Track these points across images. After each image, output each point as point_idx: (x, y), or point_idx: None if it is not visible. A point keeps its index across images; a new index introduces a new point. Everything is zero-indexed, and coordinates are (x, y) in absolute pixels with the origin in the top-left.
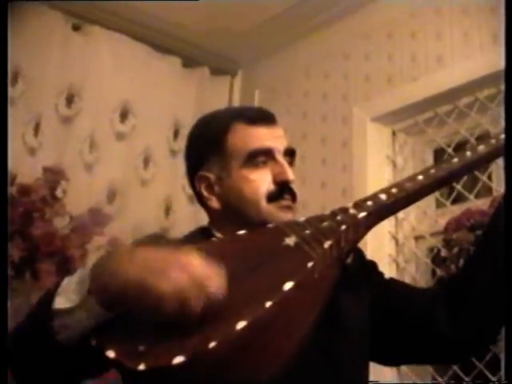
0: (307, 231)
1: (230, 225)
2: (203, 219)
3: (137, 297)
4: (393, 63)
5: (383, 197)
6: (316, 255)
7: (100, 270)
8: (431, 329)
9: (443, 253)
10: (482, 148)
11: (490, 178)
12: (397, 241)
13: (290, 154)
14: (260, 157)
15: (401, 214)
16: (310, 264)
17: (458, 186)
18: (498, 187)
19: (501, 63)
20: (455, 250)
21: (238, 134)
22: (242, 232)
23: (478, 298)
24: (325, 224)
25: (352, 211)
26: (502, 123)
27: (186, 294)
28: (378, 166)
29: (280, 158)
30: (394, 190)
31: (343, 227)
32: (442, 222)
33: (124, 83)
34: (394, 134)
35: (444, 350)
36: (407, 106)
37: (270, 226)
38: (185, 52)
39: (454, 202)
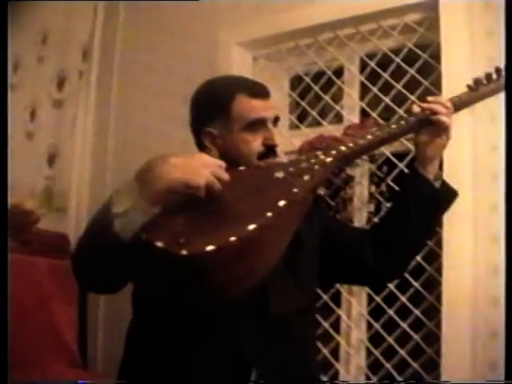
0: (291, 168)
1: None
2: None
3: (181, 190)
4: None
5: (343, 148)
6: (299, 185)
7: (146, 176)
8: (360, 260)
9: None
10: (412, 119)
11: (342, 107)
12: None
13: (276, 120)
14: (256, 124)
15: None
16: (295, 189)
17: (313, 112)
18: (349, 116)
19: (359, 7)
20: None
21: (241, 103)
22: (242, 168)
23: (393, 242)
24: (303, 165)
25: (321, 156)
26: (357, 60)
27: (212, 182)
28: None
29: (270, 126)
30: (350, 144)
31: (316, 167)
32: (296, 143)
33: None
34: (254, 59)
35: (368, 277)
36: (271, 35)
37: (261, 164)
38: None
39: (307, 126)
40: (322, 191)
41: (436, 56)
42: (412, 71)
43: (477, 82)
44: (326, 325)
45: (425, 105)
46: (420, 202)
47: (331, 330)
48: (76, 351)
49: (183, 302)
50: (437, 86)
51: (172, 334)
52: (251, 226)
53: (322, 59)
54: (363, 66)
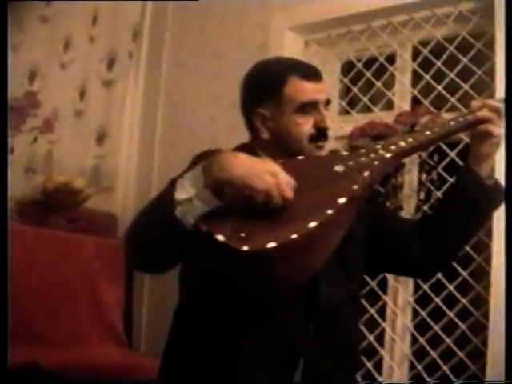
0: (350, 162)
1: (275, 153)
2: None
3: (239, 187)
4: None
5: (403, 144)
6: (358, 181)
7: (212, 166)
8: (408, 252)
9: None
10: (470, 117)
11: (393, 94)
12: None
13: (327, 103)
14: (308, 107)
15: None
16: (355, 186)
17: (364, 98)
18: (400, 103)
19: None
20: None
21: (293, 86)
22: (301, 157)
23: (443, 238)
24: (363, 159)
25: (381, 152)
26: (409, 47)
27: (272, 193)
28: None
29: (322, 109)
30: (410, 140)
31: (375, 163)
32: (346, 129)
33: None
34: (306, 43)
35: (414, 269)
36: (324, 20)
37: (321, 155)
38: None
39: (358, 112)
40: None
41: (490, 45)
42: (465, 60)
43: None
44: (372, 311)
45: (479, 114)
46: (471, 199)
47: (377, 317)
48: (122, 330)
49: (240, 293)
50: (490, 76)
51: (222, 320)
52: (312, 224)
53: (375, 45)
54: (416, 54)
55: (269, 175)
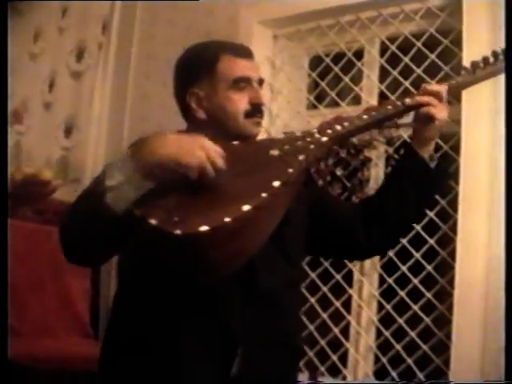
0: (286, 146)
1: (212, 132)
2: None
3: (171, 167)
4: None
5: (339, 128)
6: (294, 164)
7: (140, 150)
8: (351, 235)
9: None
10: (408, 101)
11: (361, 89)
12: (269, 136)
13: (260, 82)
14: (242, 83)
15: (274, 111)
16: (290, 170)
17: (332, 93)
18: (368, 98)
19: None
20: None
21: (226, 62)
22: (236, 142)
23: (385, 220)
24: (298, 143)
25: (317, 136)
26: (377, 43)
27: (205, 166)
28: (259, 66)
29: (256, 85)
30: (346, 124)
31: (311, 146)
32: (314, 123)
33: None
34: (275, 37)
35: (356, 251)
36: (293, 14)
37: (256, 140)
38: None
39: (325, 106)
40: (339, 172)
41: (457, 42)
42: (433, 56)
43: (474, 65)
44: (337, 304)
45: (416, 98)
46: (414, 181)
47: (342, 310)
48: (88, 322)
49: (173, 277)
50: (457, 72)
51: (159, 307)
52: (246, 207)
53: (343, 41)
54: (384, 49)
55: (199, 149)
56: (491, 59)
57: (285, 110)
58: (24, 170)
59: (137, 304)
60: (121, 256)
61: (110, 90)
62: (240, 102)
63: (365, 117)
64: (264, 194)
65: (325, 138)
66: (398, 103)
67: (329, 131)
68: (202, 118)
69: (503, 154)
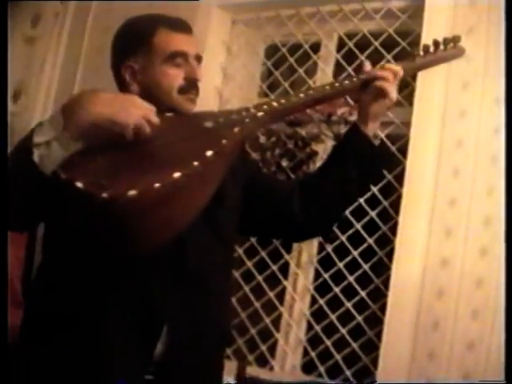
0: (221, 119)
1: None
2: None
3: (107, 126)
4: None
5: (275, 104)
6: (228, 136)
7: (73, 108)
8: (287, 212)
9: (262, 140)
10: (347, 83)
11: (314, 82)
12: None
13: (198, 59)
14: (177, 58)
15: (226, 96)
16: (224, 141)
17: (285, 84)
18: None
19: None
20: (273, 139)
21: (162, 36)
22: (170, 114)
23: (324, 196)
24: (233, 116)
25: (253, 110)
26: (335, 37)
27: (141, 123)
28: (215, 49)
29: (192, 60)
30: (282, 101)
31: (247, 120)
32: None
33: None
34: (233, 22)
35: (294, 230)
36: (252, 1)
37: (190, 113)
38: None
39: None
40: (284, 163)
41: (415, 45)
42: (389, 57)
43: (425, 49)
44: (270, 294)
45: (375, 71)
46: (357, 157)
47: (275, 301)
48: (19, 291)
49: (98, 247)
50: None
51: (82, 278)
52: (176, 174)
53: (301, 32)
54: (341, 45)
55: (134, 108)
56: (441, 46)
57: (236, 96)
58: None
59: (59, 274)
60: (45, 223)
61: (62, 59)
62: (175, 78)
63: (301, 95)
64: (196, 163)
65: (260, 113)
66: (343, 82)
67: (265, 107)
68: (135, 91)
69: (447, 159)
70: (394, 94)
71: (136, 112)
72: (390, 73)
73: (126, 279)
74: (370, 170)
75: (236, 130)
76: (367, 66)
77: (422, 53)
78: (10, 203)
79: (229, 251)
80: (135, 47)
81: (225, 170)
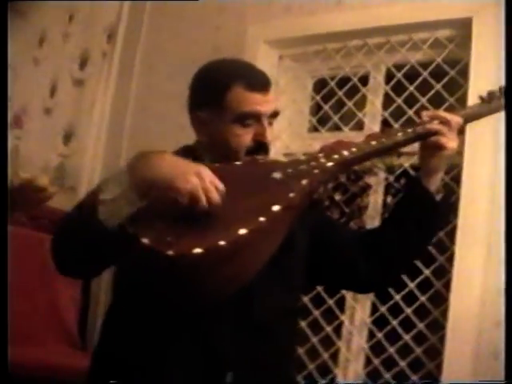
0: (289, 170)
1: (212, 155)
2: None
3: (164, 189)
4: None
5: (346, 153)
6: (296, 189)
7: (138, 166)
8: (351, 265)
9: None
10: (419, 128)
11: (364, 115)
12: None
13: (274, 115)
14: (249, 119)
15: (275, 132)
16: (291, 194)
17: (335, 117)
18: (370, 124)
19: (393, 18)
20: None
21: (236, 94)
22: (238, 163)
23: (386, 254)
24: (302, 166)
25: (322, 160)
26: (383, 69)
27: (197, 194)
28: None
29: (264, 121)
30: (354, 150)
31: (315, 171)
32: (315, 146)
33: None
34: (280, 58)
35: (355, 283)
36: (300, 36)
37: (260, 160)
38: None
39: (327, 130)
40: (337, 197)
41: (463, 73)
42: (438, 86)
43: (490, 94)
44: (328, 329)
45: (427, 126)
46: (419, 214)
47: (333, 335)
48: (75, 332)
49: (164, 299)
50: (462, 104)
51: (149, 326)
52: (242, 231)
53: (349, 65)
54: (389, 76)
55: (193, 176)
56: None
57: (286, 132)
58: (21, 175)
59: (125, 322)
60: (116, 268)
61: (112, 100)
62: (243, 138)
63: (373, 143)
64: (262, 218)
65: (330, 163)
66: (406, 130)
67: (335, 156)
68: (203, 140)
69: (503, 189)
70: (451, 144)
71: (195, 181)
72: (443, 124)
73: (191, 328)
74: (432, 226)
75: (304, 182)
76: (424, 116)
77: (483, 99)
78: (73, 252)
79: (295, 299)
80: (208, 99)
81: (292, 222)
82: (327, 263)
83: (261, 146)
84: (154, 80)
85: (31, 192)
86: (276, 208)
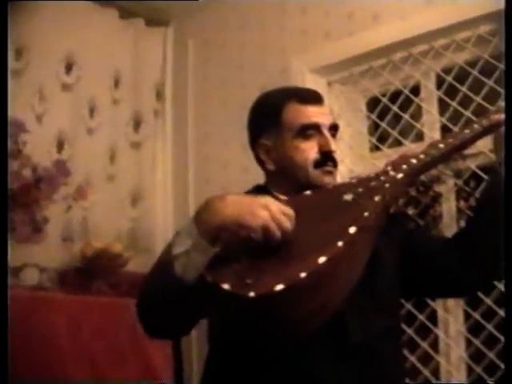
0: (360, 189)
1: (283, 185)
2: (145, 165)
3: (234, 229)
4: (329, 19)
5: (414, 161)
6: (369, 207)
7: (202, 215)
8: (447, 270)
9: None
10: (485, 122)
11: (422, 125)
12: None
13: (334, 128)
14: (309, 130)
15: (338, 157)
16: (366, 213)
17: (394, 132)
18: (430, 133)
19: (432, 23)
20: None
21: (291, 111)
22: (308, 192)
23: (482, 245)
24: (372, 183)
25: (392, 173)
26: (433, 76)
27: (269, 226)
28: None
29: (325, 131)
30: (421, 156)
31: (387, 185)
32: (379, 165)
33: (66, 36)
34: (329, 84)
35: (457, 287)
36: (344, 59)
37: (329, 186)
38: (121, 4)
39: (389, 147)
40: (410, 211)
41: None
42: (490, 82)
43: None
44: (424, 345)
45: (491, 118)
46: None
47: (430, 350)
48: None
49: (257, 339)
50: None
51: (249, 370)
52: (321, 259)
53: (398, 78)
54: (440, 82)
55: (261, 209)
56: None
57: (348, 156)
58: (94, 244)
59: (226, 368)
60: (209, 321)
61: (171, 155)
62: (308, 151)
63: (441, 145)
64: (340, 243)
65: (400, 175)
66: (472, 126)
67: (404, 167)
68: (271, 168)
69: None
70: None
71: (263, 214)
72: None
73: (291, 362)
74: None
75: (377, 198)
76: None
77: None
78: (158, 312)
79: (392, 318)
80: (266, 125)
81: (373, 240)
82: (423, 274)
83: (327, 157)
84: (209, 129)
85: (107, 260)
86: (353, 230)
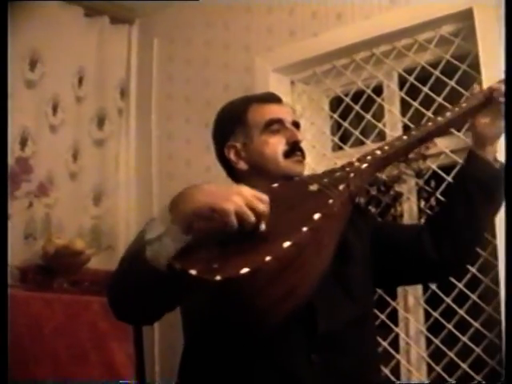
0: (325, 180)
1: (257, 184)
2: (109, 163)
3: (207, 214)
4: (294, 18)
5: (378, 152)
6: (334, 195)
7: (177, 202)
8: (421, 256)
9: None
10: (449, 114)
11: (384, 125)
12: None
13: (296, 125)
14: (274, 125)
15: None
16: (330, 201)
17: (356, 132)
18: (392, 132)
19: (395, 23)
20: None
21: (255, 110)
22: (275, 185)
23: (456, 229)
24: (337, 174)
25: (356, 164)
26: (395, 76)
27: (242, 209)
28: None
29: (289, 125)
30: (386, 148)
31: (351, 175)
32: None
33: (31, 32)
34: (292, 83)
35: (432, 272)
36: (307, 58)
37: (295, 179)
38: (86, 2)
39: (351, 146)
40: (371, 210)
41: (475, 65)
42: (452, 83)
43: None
44: (384, 344)
45: (495, 85)
46: (481, 185)
47: (390, 349)
48: None
49: (228, 327)
50: None
51: (222, 359)
52: (286, 244)
53: (360, 78)
54: (402, 82)
55: (235, 195)
56: None
57: (310, 155)
58: (55, 241)
59: (199, 358)
60: (182, 311)
61: (135, 153)
62: (277, 144)
63: (404, 137)
64: (305, 228)
65: (365, 165)
66: (445, 114)
67: (368, 157)
68: (243, 168)
69: None
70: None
71: (238, 199)
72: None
73: (261, 351)
74: (496, 195)
75: (341, 187)
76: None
77: None
78: (128, 296)
79: (363, 308)
80: (233, 127)
81: (339, 229)
82: (399, 262)
83: (295, 147)
84: (173, 127)
85: (68, 257)
86: (317, 216)
